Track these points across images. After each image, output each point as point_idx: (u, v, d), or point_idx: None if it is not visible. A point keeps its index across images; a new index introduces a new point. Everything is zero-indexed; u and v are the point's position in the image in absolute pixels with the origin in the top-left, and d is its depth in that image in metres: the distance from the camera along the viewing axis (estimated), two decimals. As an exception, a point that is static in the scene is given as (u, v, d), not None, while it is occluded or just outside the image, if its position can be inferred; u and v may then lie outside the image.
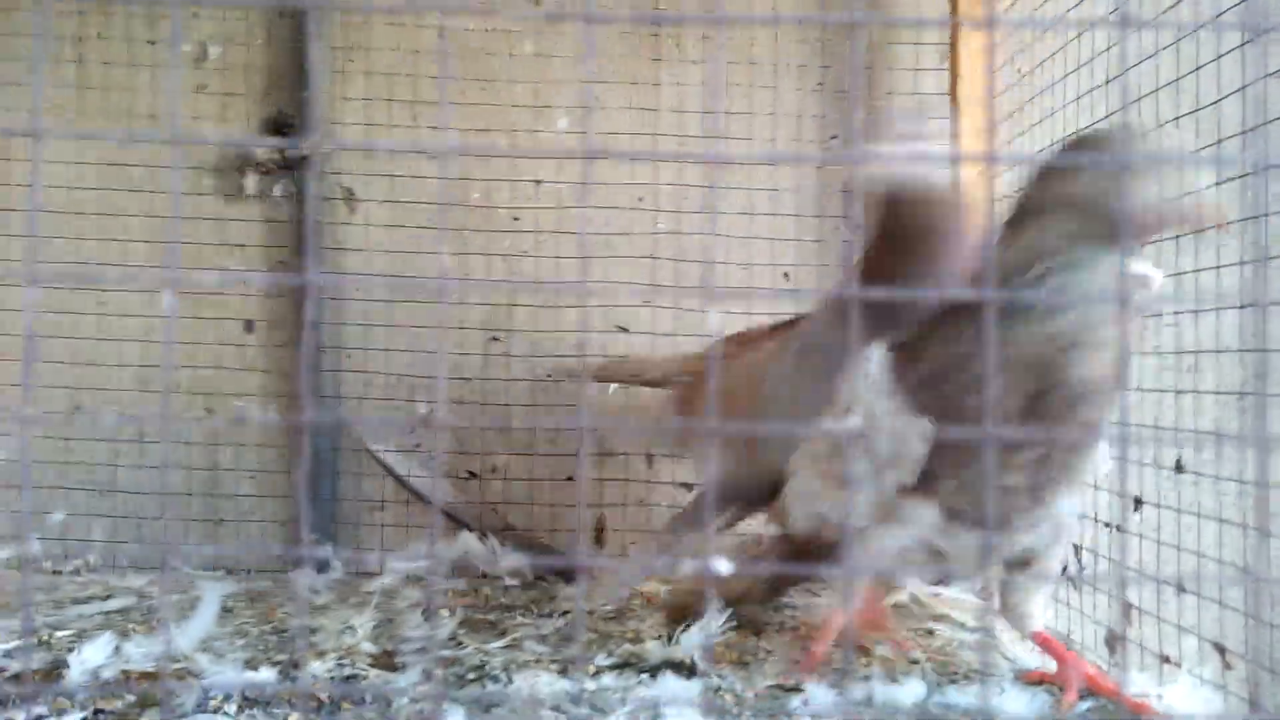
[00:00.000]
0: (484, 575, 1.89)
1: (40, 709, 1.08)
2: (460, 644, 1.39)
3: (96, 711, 1.08)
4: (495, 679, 1.20)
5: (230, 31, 2.01)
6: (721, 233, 2.05)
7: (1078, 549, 1.57)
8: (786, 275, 2.07)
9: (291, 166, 1.98)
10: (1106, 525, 1.51)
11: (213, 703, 1.10)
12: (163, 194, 1.97)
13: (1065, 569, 1.59)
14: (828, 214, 2.08)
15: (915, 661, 1.42)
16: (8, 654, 1.29)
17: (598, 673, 1.23)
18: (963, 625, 1.61)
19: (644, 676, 1.21)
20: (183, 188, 1.98)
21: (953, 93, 1.97)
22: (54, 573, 1.83)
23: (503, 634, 1.44)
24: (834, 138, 2.10)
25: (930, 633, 1.58)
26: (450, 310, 2.03)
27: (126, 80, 2.00)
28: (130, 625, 1.45)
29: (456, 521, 1.99)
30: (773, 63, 2.07)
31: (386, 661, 1.29)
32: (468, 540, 1.93)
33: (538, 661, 1.29)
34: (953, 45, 1.98)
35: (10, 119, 1.98)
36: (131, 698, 1.10)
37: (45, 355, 1.95)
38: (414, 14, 2.02)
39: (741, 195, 2.05)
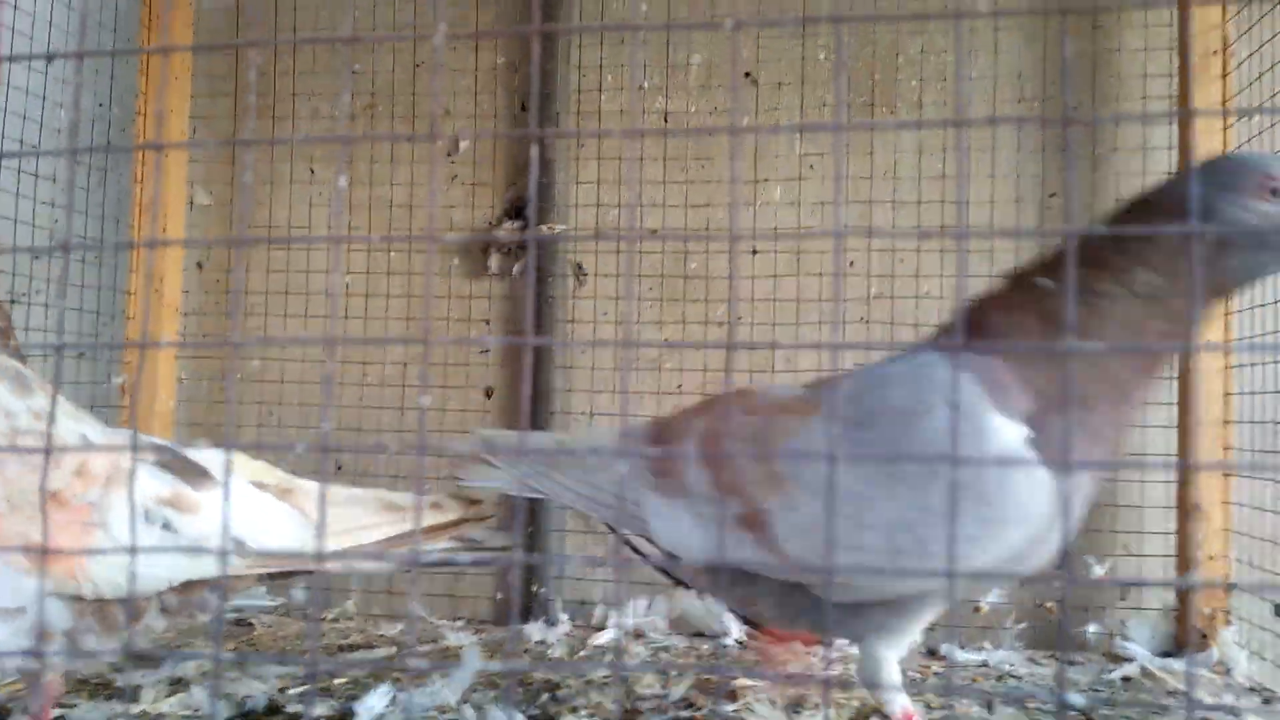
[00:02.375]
0: (701, 634, 1.96)
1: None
2: (693, 705, 1.47)
3: (385, 758, 1.23)
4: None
5: (480, 126, 2.22)
6: (935, 295, 2.06)
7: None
8: (1006, 338, 2.06)
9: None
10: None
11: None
12: (417, 274, 2.19)
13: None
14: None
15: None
16: (300, 698, 1.47)
17: (834, 746, 1.27)
18: (1200, 703, 1.54)
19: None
20: (434, 268, 2.20)
21: (1183, 147, 1.91)
22: (318, 620, 2.04)
23: (733, 696, 1.50)
24: (1053, 196, 2.07)
25: (1164, 709, 1.53)
26: (670, 375, 2.13)
27: (388, 174, 2.24)
28: (396, 674, 1.61)
29: (674, 580, 2.07)
30: (992, 124, 2.07)
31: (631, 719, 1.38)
32: (686, 599, 2.01)
33: (773, 730, 1.35)
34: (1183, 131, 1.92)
35: (290, 212, 2.26)
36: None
37: (313, 422, 2.20)
38: (641, 102, 2.17)
39: (955, 256, 2.05)
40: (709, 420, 1.20)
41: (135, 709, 1.39)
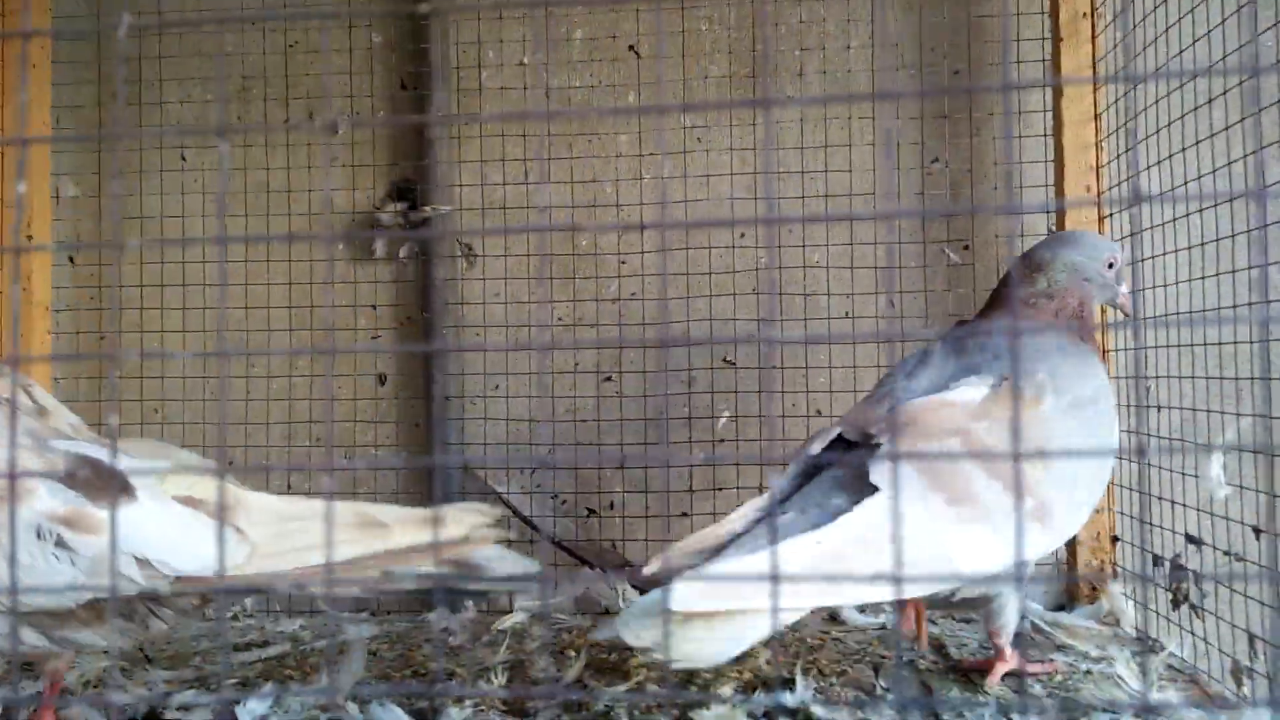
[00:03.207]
0: (605, 611, 1.97)
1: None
2: (586, 686, 1.47)
3: (263, 760, 1.20)
4: (619, 726, 1.26)
5: (358, 108, 2.17)
6: (823, 264, 2.08)
7: (1198, 576, 1.53)
8: (892, 302, 2.09)
9: (416, 228, 2.11)
10: (1226, 553, 1.48)
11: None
12: (300, 261, 2.14)
13: (1187, 597, 1.56)
14: (930, 239, 2.08)
15: (1035, 695, 1.42)
16: (182, 706, 1.43)
17: (715, 719, 1.28)
18: (1086, 655, 1.59)
19: (760, 721, 1.26)
20: (318, 253, 2.14)
21: (1056, 110, 1.95)
22: (213, 619, 1.99)
23: (626, 676, 1.51)
24: (934, 162, 2.10)
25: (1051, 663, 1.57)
26: (564, 355, 2.12)
27: (264, 159, 2.17)
28: (287, 672, 1.58)
29: (578, 559, 2.08)
30: (870, 92, 2.09)
31: (519, 706, 1.37)
32: (589, 577, 2.01)
33: (659, 706, 1.36)
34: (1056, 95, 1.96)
35: (163, 202, 2.18)
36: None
37: (198, 417, 2.14)
38: (522, 78, 2.13)
39: (843, 224, 2.07)
40: (949, 440, 1.28)
41: (4, 728, 1.34)
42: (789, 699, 1.33)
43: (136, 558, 1.11)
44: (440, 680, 1.52)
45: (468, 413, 2.13)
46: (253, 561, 1.14)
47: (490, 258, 2.14)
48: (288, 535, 1.17)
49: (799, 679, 1.38)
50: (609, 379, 2.13)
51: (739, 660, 1.56)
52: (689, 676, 1.50)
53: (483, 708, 1.34)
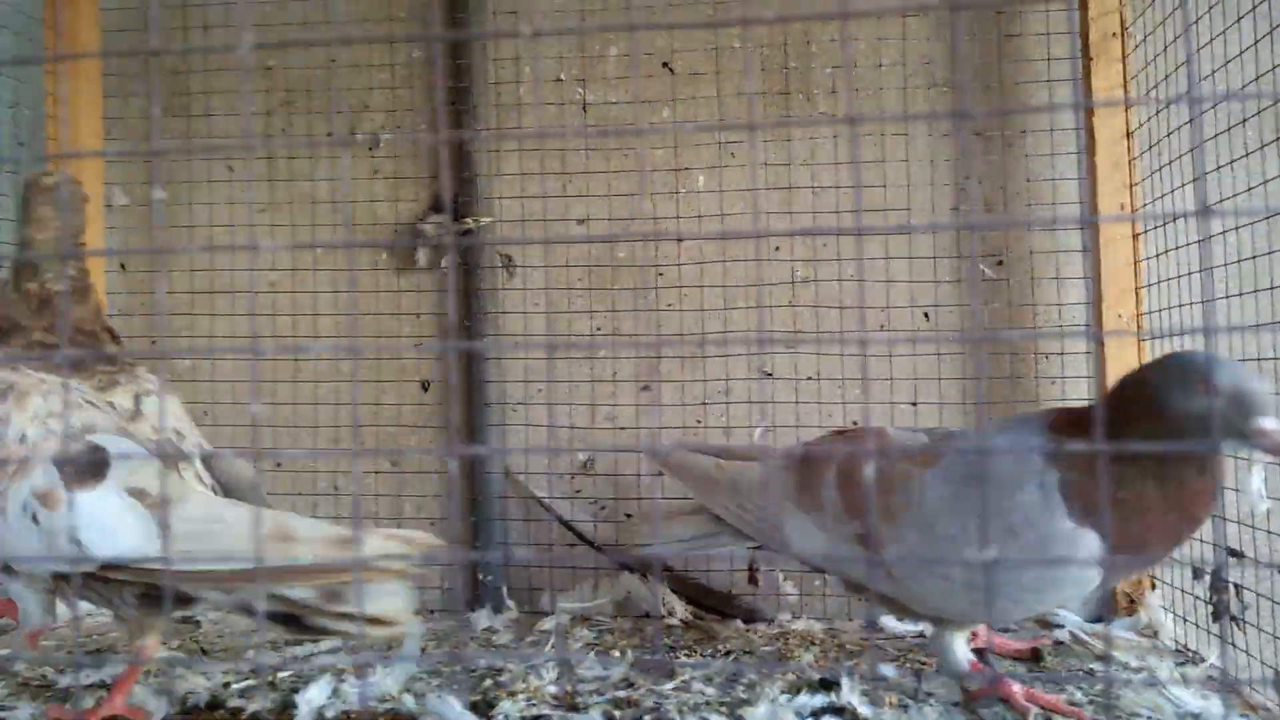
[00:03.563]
0: (646, 615, 2.00)
1: (281, 746, 1.24)
2: (632, 685, 1.50)
3: (327, 748, 1.24)
4: (672, 720, 1.30)
5: (399, 121, 2.22)
6: (859, 277, 2.12)
7: (1239, 588, 1.56)
8: (926, 315, 2.12)
9: (457, 239, 2.16)
10: (1269, 566, 1.50)
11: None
12: (344, 270, 2.19)
13: (1228, 608, 1.58)
14: (965, 253, 2.11)
15: (1076, 704, 1.44)
16: (242, 694, 1.47)
17: (765, 715, 1.31)
18: (1126, 665, 1.61)
19: None
20: (362, 263, 2.19)
21: (1089, 128, 1.99)
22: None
23: (671, 675, 1.54)
24: (968, 178, 2.14)
25: (1091, 673, 1.60)
26: (603, 364, 2.16)
27: (308, 170, 2.22)
28: (342, 666, 1.62)
29: (618, 563, 2.11)
30: (903, 109, 2.13)
31: (569, 702, 1.41)
32: (630, 581, 2.05)
33: (707, 704, 1.39)
34: (1088, 113, 1.99)
35: (211, 211, 2.23)
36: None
37: (247, 419, 2.18)
38: (559, 94, 2.18)
39: (878, 238, 2.11)
40: (848, 454, 1.45)
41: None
42: (835, 699, 1.36)
43: (70, 538, 1.20)
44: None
45: (508, 419, 2.17)
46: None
47: (530, 268, 2.19)
48: (204, 537, 1.18)
49: (845, 680, 1.41)
50: (647, 388, 2.17)
51: (782, 660, 1.61)
52: (734, 677, 1.53)
53: (535, 702, 1.38)
